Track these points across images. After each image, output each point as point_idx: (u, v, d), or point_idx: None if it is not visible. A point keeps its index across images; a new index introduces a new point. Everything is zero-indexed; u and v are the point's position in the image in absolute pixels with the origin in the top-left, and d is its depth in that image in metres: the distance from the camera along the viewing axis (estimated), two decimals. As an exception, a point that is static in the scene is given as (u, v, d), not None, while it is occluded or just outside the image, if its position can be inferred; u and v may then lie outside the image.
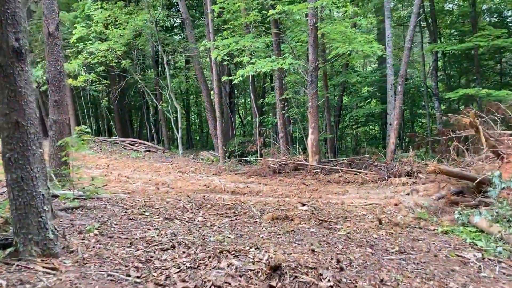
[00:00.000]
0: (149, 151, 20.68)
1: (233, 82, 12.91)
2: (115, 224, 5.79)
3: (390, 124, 15.06)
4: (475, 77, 22.74)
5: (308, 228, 5.92)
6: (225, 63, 14.52)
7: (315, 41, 12.30)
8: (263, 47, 14.48)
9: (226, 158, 17.27)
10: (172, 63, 22.99)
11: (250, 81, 17.48)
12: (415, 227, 6.02)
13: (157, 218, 6.23)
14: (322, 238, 5.46)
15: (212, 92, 19.32)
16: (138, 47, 21.28)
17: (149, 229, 5.63)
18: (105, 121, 26.25)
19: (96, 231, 5.33)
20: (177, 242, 5.08)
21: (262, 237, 5.44)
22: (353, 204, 8.14)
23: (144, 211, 6.50)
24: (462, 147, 12.42)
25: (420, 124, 27.88)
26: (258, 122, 16.25)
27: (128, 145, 21.73)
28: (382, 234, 5.68)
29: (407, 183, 11.18)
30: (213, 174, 13.07)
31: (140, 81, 20.21)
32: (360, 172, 12.30)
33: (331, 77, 22.30)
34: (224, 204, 7.17)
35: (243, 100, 35.93)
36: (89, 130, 7.05)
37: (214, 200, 8.11)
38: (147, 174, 12.36)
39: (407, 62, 13.33)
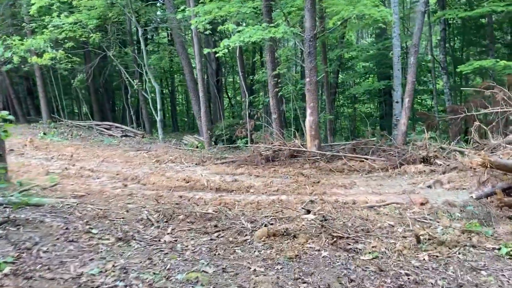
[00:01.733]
0: (126, 136, 18.85)
1: (217, 55, 11.10)
2: (44, 252, 4.09)
3: (397, 102, 13.39)
4: (483, 49, 21.12)
5: (319, 251, 4.27)
6: (207, 32, 12.62)
7: (312, 5, 10.49)
8: (251, 14, 12.61)
9: (212, 143, 15.55)
10: (151, 37, 20.98)
11: (237, 55, 15.61)
12: (466, 246, 4.39)
13: (107, 238, 4.54)
14: (341, 269, 3.81)
15: (195, 69, 17.45)
16: (112, 20, 19.20)
17: (91, 260, 3.95)
18: (81, 103, 24.21)
19: (7, 269, 3.63)
20: (127, 285, 3.43)
21: (255, 270, 3.79)
22: (368, 205, 6.50)
23: (92, 228, 4.78)
24: (485, 128, 10.84)
25: (420, 102, 26.26)
26: (247, 102, 14.47)
27: (104, 129, 19.87)
28: (424, 260, 4.05)
29: (424, 171, 9.57)
30: (196, 164, 11.35)
31: (113, 58, 18.20)
32: (366, 159, 10.67)
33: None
34: (204, 212, 5.46)
35: (231, 79, 34.03)
36: (11, 117, 5.23)
37: (191, 204, 6.41)
38: (117, 166, 10.60)
39: (420, 28, 11.58)
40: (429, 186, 8.24)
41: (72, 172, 9.39)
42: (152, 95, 18.17)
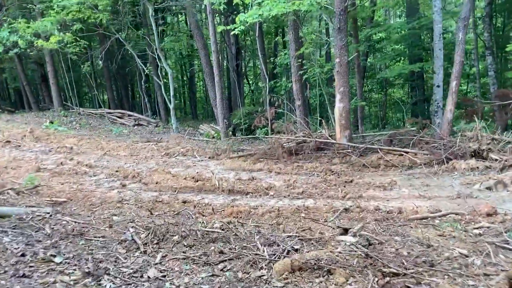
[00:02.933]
0: (139, 125, 17.79)
1: (233, 32, 9.77)
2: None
3: (438, 86, 11.81)
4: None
5: (366, 300, 2.97)
6: (222, 7, 11.25)
7: (343, -27, 9.01)
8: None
9: (229, 133, 14.29)
10: (162, 19, 19.70)
11: (257, 35, 14.22)
12: None
13: (72, 271, 3.34)
14: None
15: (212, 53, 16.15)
16: (123, 1, 18.03)
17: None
18: (94, 90, 23.27)
19: None
20: None
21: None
22: (420, 216, 5.16)
23: (55, 254, 3.60)
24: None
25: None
26: (268, 88, 13.10)
27: (116, 118, 18.86)
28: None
29: (477, 168, 8.11)
30: (209, 158, 10.14)
31: (123, 41, 17.06)
32: (406, 152, 9.23)
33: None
34: (207, 230, 4.21)
35: (252, 64, 32.63)
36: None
37: (195, 213, 5.18)
38: (120, 160, 9.47)
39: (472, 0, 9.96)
40: (489, 188, 6.81)
41: (67, 168, 8.29)
42: (165, 80, 16.98)
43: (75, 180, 7.45)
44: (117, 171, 8.14)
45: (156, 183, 7.31)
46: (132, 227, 4.26)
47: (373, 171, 8.68)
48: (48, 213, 4.76)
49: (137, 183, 7.39)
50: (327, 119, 13.24)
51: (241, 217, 5.16)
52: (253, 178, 7.88)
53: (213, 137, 14.28)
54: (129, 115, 18.56)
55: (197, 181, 7.55)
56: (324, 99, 14.42)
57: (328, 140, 9.92)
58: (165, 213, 4.96)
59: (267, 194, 6.67)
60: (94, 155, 10.03)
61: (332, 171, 8.35)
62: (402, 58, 23.54)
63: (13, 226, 4.35)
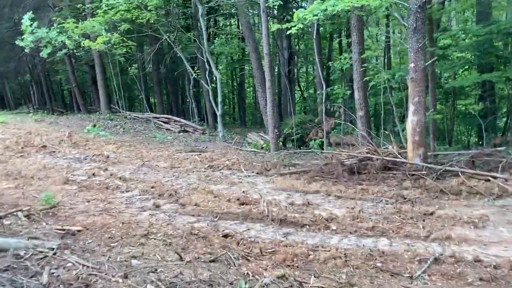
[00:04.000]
0: (184, 131, 17.00)
1: (289, 31, 8.61)
2: None
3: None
4: None
5: None
6: (277, 3, 10.09)
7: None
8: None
9: (280, 143, 13.11)
10: (213, 20, 18.93)
11: (314, 37, 12.97)
12: None
13: None
14: None
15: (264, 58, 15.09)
16: (174, 1, 17.41)
17: None
18: (141, 93, 22.85)
19: None
20: None
21: None
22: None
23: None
24: None
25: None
26: (324, 95, 11.81)
27: (162, 123, 18.20)
28: None
29: None
30: (257, 173, 8.99)
31: (171, 43, 16.37)
32: (495, 177, 7.66)
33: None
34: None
35: (304, 70, 31.39)
36: None
37: (238, 254, 4.03)
38: (158, 173, 8.53)
39: None
40: None
41: (98, 181, 7.42)
42: (214, 85, 16.12)
43: (103, 197, 6.54)
44: (152, 187, 7.17)
45: (195, 204, 6.25)
46: (151, 281, 3.16)
47: (454, 199, 7.19)
48: (53, 249, 3.78)
49: (173, 203, 6.37)
50: (394, 133, 11.77)
51: (297, 266, 3.96)
52: (308, 202, 6.65)
53: (262, 148, 13.15)
54: (175, 121, 17.84)
55: (243, 204, 6.43)
56: (383, 109, 12.93)
57: (397, 159, 8.51)
58: (198, 257, 3.83)
59: (328, 227, 5.42)
60: (132, 165, 9.16)
61: (405, 198, 6.96)
62: (470, 67, 21.50)
63: (5, 267, 3.39)
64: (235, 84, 36.30)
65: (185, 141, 14.40)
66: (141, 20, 16.10)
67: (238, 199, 6.60)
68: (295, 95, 26.15)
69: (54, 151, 10.07)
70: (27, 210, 5.07)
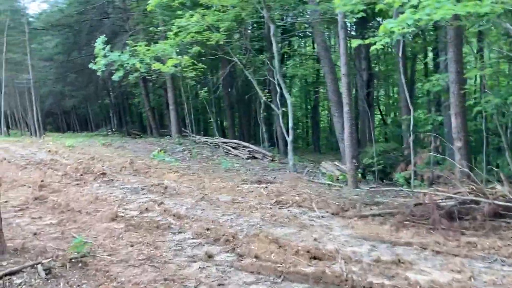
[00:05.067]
0: (253, 157, 16.10)
1: (373, 47, 7.36)
2: None
3: None
4: None
5: None
6: (359, 15, 8.87)
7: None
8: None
9: (358, 175, 11.70)
10: (287, 41, 18.07)
11: (400, 55, 11.51)
12: None
13: None
14: None
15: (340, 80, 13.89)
16: (245, 22, 16.84)
17: None
18: (211, 117, 22.48)
19: None
20: None
21: None
22: None
23: None
24: None
25: None
26: (412, 122, 10.27)
27: (231, 148, 17.49)
28: None
29: None
30: (333, 214, 7.70)
31: (241, 64, 15.68)
32: None
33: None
34: None
35: (383, 92, 29.56)
36: None
37: None
38: (217, 210, 7.54)
39: None
40: None
41: (149, 219, 6.57)
42: (284, 109, 15.12)
43: (151, 240, 5.65)
44: (208, 229, 6.16)
45: (255, 257, 5.13)
46: None
47: None
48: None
49: (229, 253, 5.30)
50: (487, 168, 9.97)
51: None
52: (399, 260, 5.26)
53: (338, 180, 11.81)
54: (243, 146, 17.05)
55: (314, 258, 5.20)
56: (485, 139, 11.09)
57: (511, 203, 6.82)
58: None
59: (431, 306, 4.03)
60: (190, 198, 8.28)
61: (530, 261, 5.33)
62: None
63: None
64: (309, 107, 35.23)
65: (252, 169, 13.44)
66: (211, 42, 15.64)
67: (308, 251, 5.37)
68: (375, 120, 24.48)
69: (112, 180, 9.52)
70: (53, 259, 4.26)
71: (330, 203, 8.46)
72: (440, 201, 7.48)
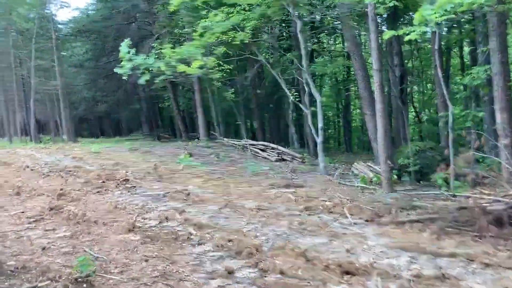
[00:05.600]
0: (282, 160, 15.58)
1: (407, 38, 6.72)
2: None
3: None
4: None
5: None
6: (391, 3, 8.23)
7: None
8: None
9: (393, 176, 10.99)
10: (315, 37, 17.44)
11: (436, 47, 10.70)
12: None
13: None
14: None
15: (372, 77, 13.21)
16: (272, 21, 16.34)
17: None
18: (242, 118, 22.06)
19: None
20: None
21: None
22: None
23: None
24: None
25: None
26: (452, 118, 9.50)
27: (259, 150, 17.02)
28: None
29: None
30: (367, 220, 7.10)
31: (267, 64, 15.20)
32: None
33: None
34: None
35: (417, 88, 28.39)
36: None
37: None
38: (241, 218, 7.06)
39: None
40: None
41: (167, 229, 6.16)
42: (314, 108, 14.52)
43: (168, 253, 5.23)
44: (230, 241, 5.70)
45: (280, 273, 4.63)
46: None
47: None
48: None
49: (251, 268, 4.82)
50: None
51: None
52: (443, 275, 4.66)
53: (371, 182, 11.15)
54: (272, 148, 16.55)
55: (346, 273, 4.67)
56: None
57: None
58: None
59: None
60: (214, 205, 7.85)
61: None
62: None
63: None
64: (340, 106, 34.41)
65: (281, 172, 12.92)
66: (236, 42, 15.22)
67: (339, 265, 4.83)
68: (409, 118, 23.49)
69: (134, 186, 9.21)
70: (55, 279, 3.88)
71: (364, 208, 7.86)
72: (486, 205, 6.77)
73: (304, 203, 8.18)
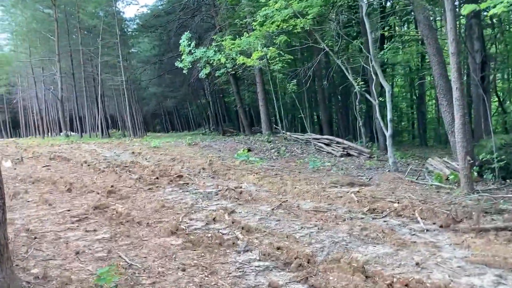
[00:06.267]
0: (347, 155, 14.65)
1: (491, 12, 5.67)
2: None
3: None
4: None
5: None
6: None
7: None
8: None
9: (474, 173, 9.75)
10: (387, 23, 16.13)
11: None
12: None
13: None
14: None
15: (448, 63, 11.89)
16: (335, 4, 15.37)
17: None
18: (301, 112, 21.25)
19: None
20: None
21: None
22: None
23: None
24: None
25: None
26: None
27: (323, 145, 16.19)
28: None
29: None
30: (441, 226, 6.15)
31: (330, 53, 14.28)
32: None
33: None
34: None
35: (501, 75, 25.92)
36: None
37: None
38: (296, 221, 6.40)
39: None
40: None
41: (213, 232, 5.66)
42: (382, 99, 13.44)
43: (209, 261, 4.72)
44: (279, 248, 5.08)
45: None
46: None
47: None
48: None
49: (300, 284, 4.17)
50: None
51: None
52: (542, 304, 3.72)
53: (447, 180, 9.99)
54: (337, 143, 15.63)
55: (417, 298, 3.87)
56: None
57: None
58: None
59: None
60: (267, 205, 7.26)
61: None
62: None
63: None
64: (414, 97, 32.48)
65: (345, 168, 12.04)
66: (298, 30, 14.47)
67: (406, 285, 4.04)
68: (491, 108, 21.40)
69: (187, 183, 8.85)
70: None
71: (438, 211, 6.87)
72: None
73: (369, 204, 7.34)
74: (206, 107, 42.84)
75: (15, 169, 10.02)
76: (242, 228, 5.86)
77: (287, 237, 5.56)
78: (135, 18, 29.53)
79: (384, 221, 6.49)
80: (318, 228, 6.01)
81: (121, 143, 17.36)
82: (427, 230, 5.99)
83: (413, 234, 5.85)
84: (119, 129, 38.64)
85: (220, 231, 5.78)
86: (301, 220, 6.38)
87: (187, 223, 6.10)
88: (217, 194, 7.96)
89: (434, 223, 6.32)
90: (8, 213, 6.54)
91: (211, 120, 41.57)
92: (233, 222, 6.08)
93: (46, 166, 10.53)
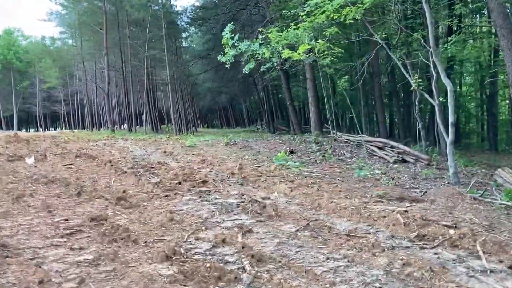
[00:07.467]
0: (402, 161, 13.18)
1: None
2: None
3: None
4: None
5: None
6: None
7: None
8: None
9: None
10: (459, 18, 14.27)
11: None
12: None
13: None
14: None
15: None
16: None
17: None
18: (352, 111, 19.79)
19: None
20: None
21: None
22: None
23: None
24: None
25: None
26: None
27: (376, 148, 14.79)
28: None
29: None
30: (510, 268, 4.81)
31: (385, 46, 12.83)
32: None
33: None
34: None
35: None
36: None
37: None
38: (321, 249, 5.28)
39: None
40: None
41: (216, 259, 4.71)
42: (442, 99, 11.87)
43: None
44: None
45: None
46: None
47: None
48: None
49: None
50: None
51: None
52: None
53: (522, 198, 8.40)
54: (392, 147, 14.17)
55: None
56: None
57: None
58: None
59: None
60: (292, 224, 6.18)
61: None
62: None
63: None
64: (484, 97, 29.91)
65: (397, 177, 10.66)
66: (350, 20, 13.17)
67: None
68: None
69: (209, 190, 7.96)
70: None
71: (508, 244, 5.50)
72: None
73: (418, 228, 6.07)
74: (260, 103, 42.10)
75: (35, 166, 9.62)
76: (253, 256, 4.84)
77: (305, 272, 4.48)
78: (184, 11, 29.27)
79: (435, 254, 5.23)
80: (348, 261, 4.88)
81: (156, 140, 16.89)
82: (491, 272, 4.69)
83: (471, 276, 4.59)
84: (170, 124, 38.86)
85: (226, 258, 4.81)
86: (328, 248, 5.27)
87: (190, 244, 5.19)
88: (238, 206, 6.99)
89: (501, 261, 4.98)
90: (1, 220, 5.98)
91: (264, 117, 40.77)
92: (243, 247, 5.08)
93: (68, 164, 10.06)
